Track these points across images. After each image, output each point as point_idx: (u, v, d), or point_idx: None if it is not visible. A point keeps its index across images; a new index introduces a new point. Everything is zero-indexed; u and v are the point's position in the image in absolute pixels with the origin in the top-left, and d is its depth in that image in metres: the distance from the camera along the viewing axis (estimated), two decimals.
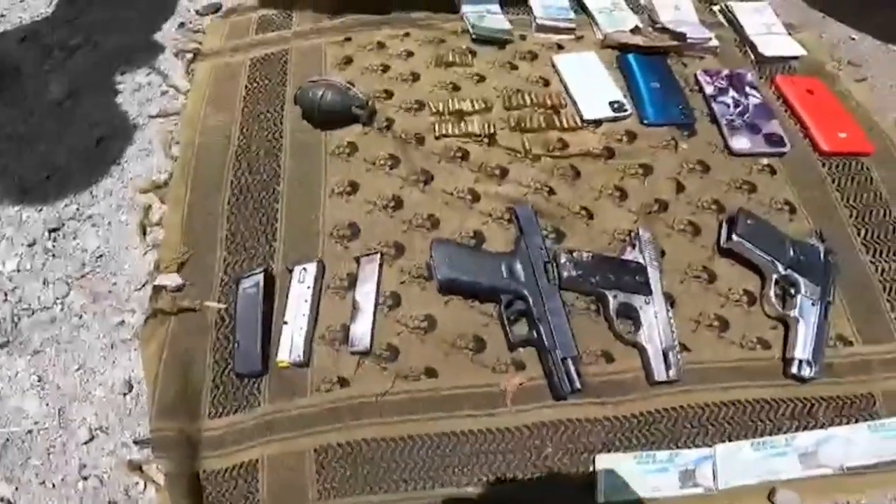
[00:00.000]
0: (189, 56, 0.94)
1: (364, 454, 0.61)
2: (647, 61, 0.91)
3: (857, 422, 0.63)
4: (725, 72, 0.90)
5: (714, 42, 0.95)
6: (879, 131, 0.85)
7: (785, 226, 0.75)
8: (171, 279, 0.71)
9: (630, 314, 0.66)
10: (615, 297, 0.65)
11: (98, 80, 0.94)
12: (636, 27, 0.93)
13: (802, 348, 0.64)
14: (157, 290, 0.71)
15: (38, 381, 0.70)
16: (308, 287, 0.68)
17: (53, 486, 0.64)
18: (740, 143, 0.81)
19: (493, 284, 0.65)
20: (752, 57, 0.96)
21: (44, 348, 0.72)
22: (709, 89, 0.87)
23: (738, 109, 0.84)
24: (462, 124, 0.80)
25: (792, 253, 0.68)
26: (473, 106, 0.82)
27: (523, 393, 0.63)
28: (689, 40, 0.93)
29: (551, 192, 0.75)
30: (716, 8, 1.05)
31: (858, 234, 0.75)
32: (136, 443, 0.65)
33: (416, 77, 0.87)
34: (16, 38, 1.03)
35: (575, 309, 0.67)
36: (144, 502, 0.62)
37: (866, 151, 0.82)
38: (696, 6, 1.04)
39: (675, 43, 0.92)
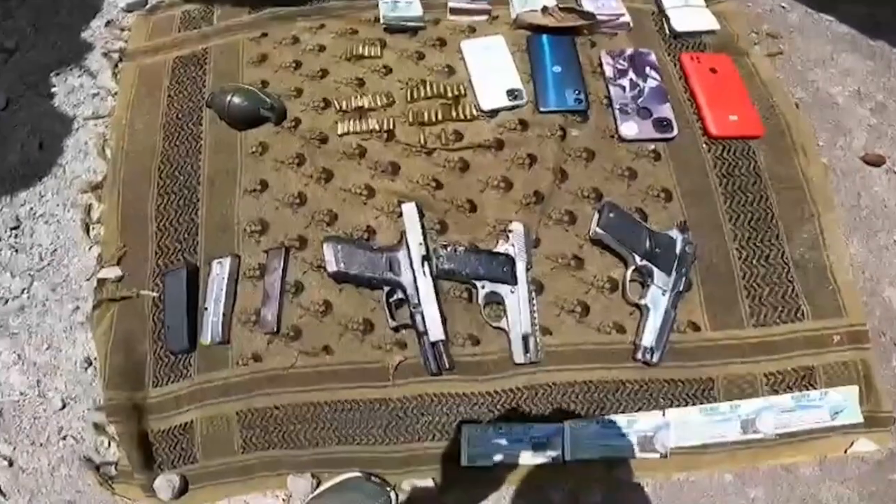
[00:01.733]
0: (116, 56, 0.98)
1: (277, 416, 0.74)
2: (557, 43, 0.90)
3: (694, 404, 0.71)
4: (629, 52, 0.90)
5: (626, 18, 0.93)
6: (776, 113, 0.86)
7: (658, 213, 0.79)
8: (112, 272, 0.82)
9: (498, 301, 0.74)
10: (483, 286, 0.73)
11: (35, 84, 0.99)
12: (544, 7, 0.91)
13: (648, 335, 0.71)
14: (101, 281, 0.82)
15: (18, 358, 0.84)
16: (223, 278, 0.78)
17: (41, 444, 0.79)
18: (629, 128, 0.83)
19: (374, 276, 0.74)
20: (667, 32, 0.94)
21: (18, 331, 0.85)
22: (609, 71, 0.88)
23: (633, 93, 0.85)
24: (363, 121, 0.85)
25: (648, 244, 0.73)
26: (376, 101, 0.86)
27: (405, 369, 0.74)
28: (599, 18, 0.91)
29: (438, 185, 0.81)
30: None
31: (729, 221, 0.79)
32: (98, 409, 0.79)
33: (324, 73, 0.90)
34: None
35: (450, 296, 0.75)
36: (110, 456, 0.78)
37: (755, 135, 0.84)
38: None
39: (583, 22, 0.91)
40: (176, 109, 0.91)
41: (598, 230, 0.74)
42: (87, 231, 0.88)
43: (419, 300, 0.73)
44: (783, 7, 1.02)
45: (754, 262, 0.77)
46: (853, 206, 0.83)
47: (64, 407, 0.81)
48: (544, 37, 0.91)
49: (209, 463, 0.74)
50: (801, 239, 0.78)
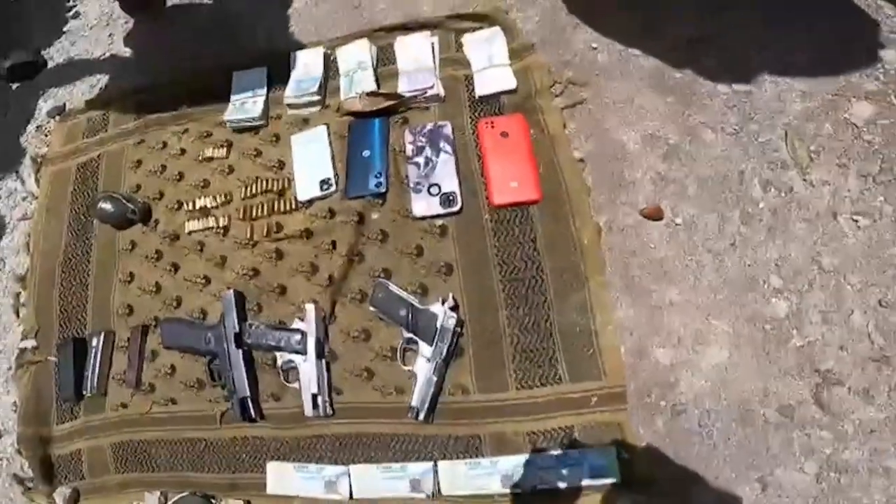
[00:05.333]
0: (39, 161, 1.31)
1: (138, 448, 1.05)
2: (371, 126, 1.08)
3: (463, 458, 0.89)
4: (429, 126, 1.04)
5: (435, 90, 1.07)
6: (557, 172, 0.98)
7: (439, 287, 0.96)
8: (29, 343, 1.17)
9: (294, 367, 0.96)
10: (281, 356, 0.96)
11: None
12: (357, 95, 1.10)
13: (415, 397, 0.90)
14: (22, 350, 1.17)
15: None
16: (98, 349, 1.09)
17: None
18: (419, 206, 1.00)
19: (197, 348, 1.01)
20: (474, 98, 1.07)
21: None
22: (408, 150, 1.04)
23: (426, 170, 1.01)
24: (206, 219, 1.10)
25: (409, 319, 0.91)
26: (216, 201, 1.11)
27: (230, 416, 1.00)
28: (406, 95, 1.08)
29: (256, 274, 1.04)
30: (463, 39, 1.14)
31: (502, 290, 0.94)
32: None
33: (181, 176, 1.17)
34: None
35: (260, 363, 0.99)
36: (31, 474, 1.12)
37: (533, 200, 0.96)
38: (446, 42, 1.14)
39: (389, 103, 1.08)
40: (76, 213, 1.22)
41: (370, 307, 0.93)
42: (17, 313, 1.21)
43: (230, 366, 0.97)
44: (594, 48, 1.10)
45: (521, 329, 0.92)
46: (627, 266, 0.94)
47: (0, 437, 1.16)
48: (376, 120, 1.09)
49: (94, 480, 1.08)
50: (570, 305, 0.92)
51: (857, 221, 0.93)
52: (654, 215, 0.96)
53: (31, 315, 1.18)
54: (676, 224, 0.96)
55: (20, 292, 1.22)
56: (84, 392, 1.09)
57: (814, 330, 0.89)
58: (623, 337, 0.91)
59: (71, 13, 1.59)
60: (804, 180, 0.96)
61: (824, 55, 1.05)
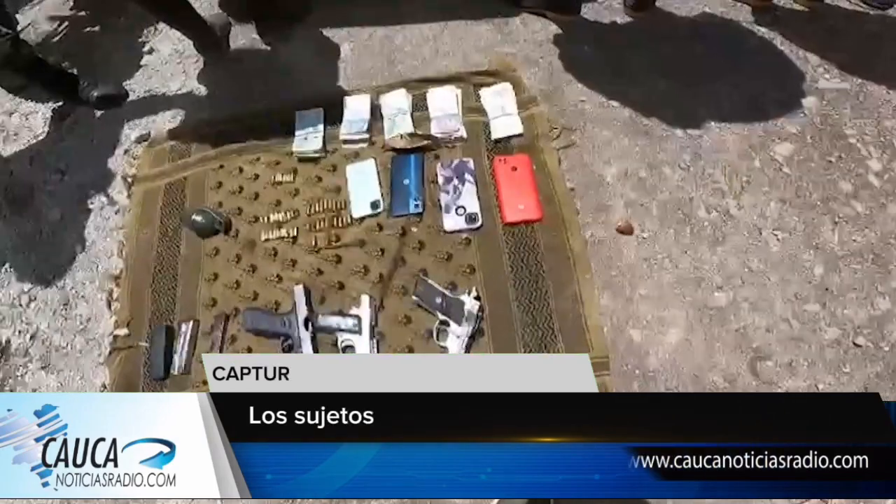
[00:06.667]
0: (129, 180, 1.63)
1: None
2: (408, 160, 1.43)
3: None
4: (456, 162, 1.41)
5: (461, 133, 1.45)
6: (554, 199, 1.34)
7: (465, 283, 1.30)
8: (122, 331, 1.45)
9: (351, 345, 1.27)
10: (341, 335, 1.27)
11: (79, 202, 1.66)
12: (399, 135, 1.46)
13: None
14: (115, 337, 1.45)
15: (61, 386, 1.47)
16: (186, 335, 1.38)
17: None
18: (449, 223, 1.34)
19: (274, 331, 1.31)
20: (491, 139, 1.44)
21: (64, 368, 1.49)
22: (440, 180, 1.40)
23: (455, 195, 1.37)
24: (278, 230, 1.43)
25: (443, 306, 1.24)
26: (286, 216, 1.44)
27: None
28: (438, 137, 1.44)
29: (320, 273, 1.36)
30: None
31: (513, 286, 1.28)
32: None
33: (256, 196, 1.50)
34: (27, 158, 1.78)
35: (323, 343, 1.30)
36: None
37: (536, 219, 1.32)
38: (467, 93, 1.52)
39: (424, 143, 1.44)
40: (165, 224, 1.54)
41: (414, 297, 1.26)
42: (109, 306, 1.51)
43: (301, 345, 1.28)
44: (582, 100, 1.49)
45: (527, 314, 1.25)
46: (607, 269, 1.29)
47: None
48: (412, 156, 1.45)
49: None
50: (564, 296, 1.25)
51: (776, 235, 1.29)
52: (627, 231, 1.31)
53: (125, 307, 1.48)
54: (643, 237, 1.31)
55: (113, 289, 1.53)
56: (172, 371, 1.37)
57: (746, 316, 1.24)
58: (605, 320, 1.25)
59: (146, 48, 1.94)
60: (737, 204, 1.33)
61: (758, 104, 1.45)
